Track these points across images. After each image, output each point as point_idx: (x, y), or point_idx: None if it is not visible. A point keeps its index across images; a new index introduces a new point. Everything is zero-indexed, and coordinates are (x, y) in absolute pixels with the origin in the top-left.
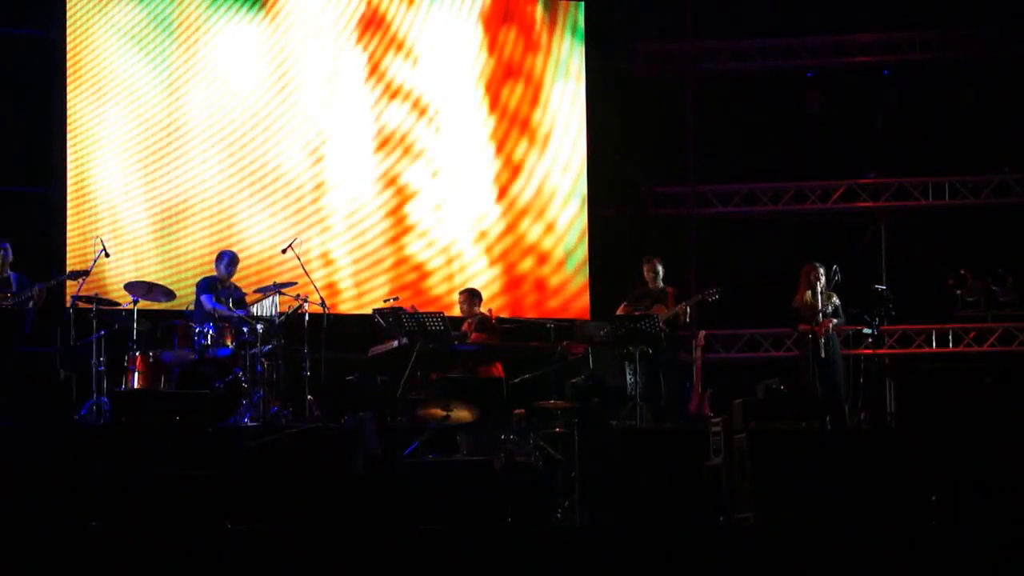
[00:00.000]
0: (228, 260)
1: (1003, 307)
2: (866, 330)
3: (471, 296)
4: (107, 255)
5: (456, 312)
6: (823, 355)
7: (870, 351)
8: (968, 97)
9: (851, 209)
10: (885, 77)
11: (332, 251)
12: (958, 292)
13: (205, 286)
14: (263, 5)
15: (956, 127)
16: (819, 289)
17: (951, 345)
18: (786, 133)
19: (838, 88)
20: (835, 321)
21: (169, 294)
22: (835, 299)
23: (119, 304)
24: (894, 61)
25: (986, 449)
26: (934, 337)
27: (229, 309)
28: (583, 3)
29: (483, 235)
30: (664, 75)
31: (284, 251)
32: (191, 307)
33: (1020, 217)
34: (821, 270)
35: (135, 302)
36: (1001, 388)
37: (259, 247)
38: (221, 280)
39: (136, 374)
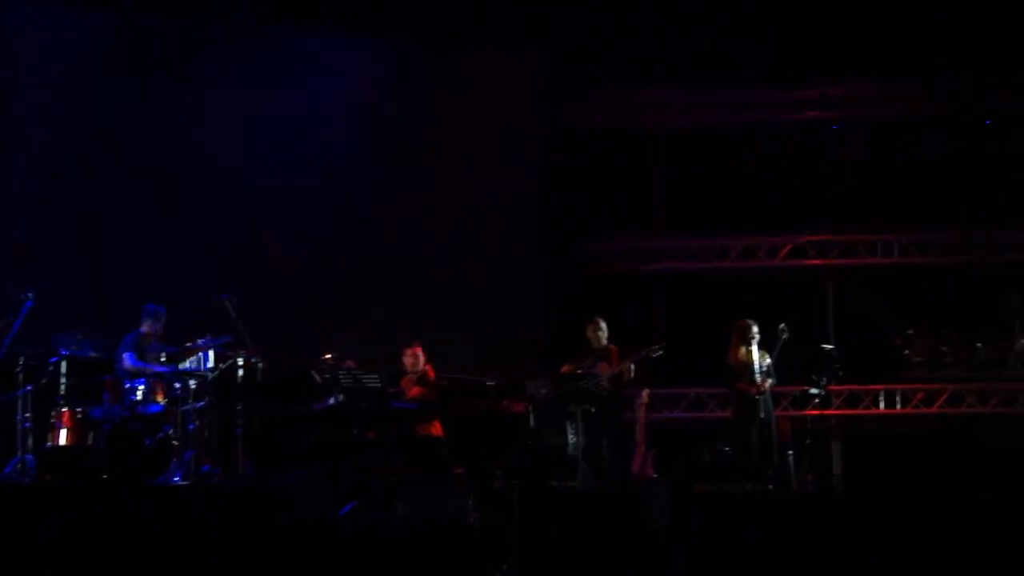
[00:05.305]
0: (153, 314)
1: (951, 368)
2: (813, 390)
3: (414, 351)
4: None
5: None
6: (762, 415)
7: (817, 412)
8: (918, 153)
9: (799, 267)
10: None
11: (269, 304)
12: (906, 352)
13: (128, 343)
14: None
15: (906, 183)
16: (755, 346)
17: (899, 406)
18: (733, 188)
19: (785, 143)
20: (771, 381)
21: (99, 347)
22: (768, 358)
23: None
24: (843, 116)
25: (932, 513)
26: (882, 398)
27: (158, 363)
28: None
29: (428, 289)
30: (610, 129)
31: (218, 302)
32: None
33: (967, 276)
34: (755, 327)
35: (63, 355)
36: (949, 451)
37: (191, 298)
38: (146, 336)
39: (63, 430)
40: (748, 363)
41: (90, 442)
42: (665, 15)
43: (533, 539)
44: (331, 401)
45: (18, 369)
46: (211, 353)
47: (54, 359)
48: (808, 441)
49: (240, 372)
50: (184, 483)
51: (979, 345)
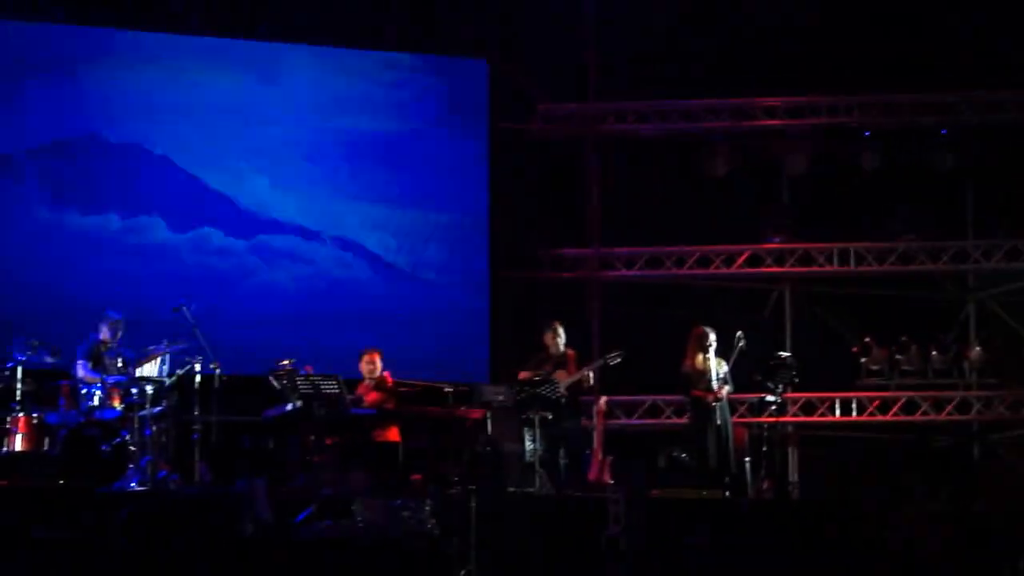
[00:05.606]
0: (111, 322)
1: (907, 376)
2: (769, 397)
3: (372, 357)
4: None
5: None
6: (719, 422)
7: (773, 419)
8: (873, 162)
9: (756, 274)
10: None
11: (226, 310)
12: (862, 360)
13: (83, 351)
14: None
15: (861, 193)
16: (711, 354)
17: (855, 414)
18: (691, 196)
19: (743, 152)
20: (728, 388)
21: (55, 352)
22: (724, 365)
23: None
24: (799, 125)
25: (888, 519)
26: (838, 405)
27: (115, 370)
28: (485, 65)
29: (385, 296)
30: (567, 136)
31: (175, 310)
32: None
33: (925, 284)
34: (712, 335)
35: (19, 360)
36: (904, 458)
37: (150, 305)
38: (103, 343)
39: (19, 436)
40: (705, 370)
41: (46, 448)
42: (623, 24)
43: (490, 545)
44: (288, 407)
45: None
46: (168, 359)
47: (10, 364)
48: (764, 448)
49: (197, 378)
50: (141, 489)
51: (935, 353)
